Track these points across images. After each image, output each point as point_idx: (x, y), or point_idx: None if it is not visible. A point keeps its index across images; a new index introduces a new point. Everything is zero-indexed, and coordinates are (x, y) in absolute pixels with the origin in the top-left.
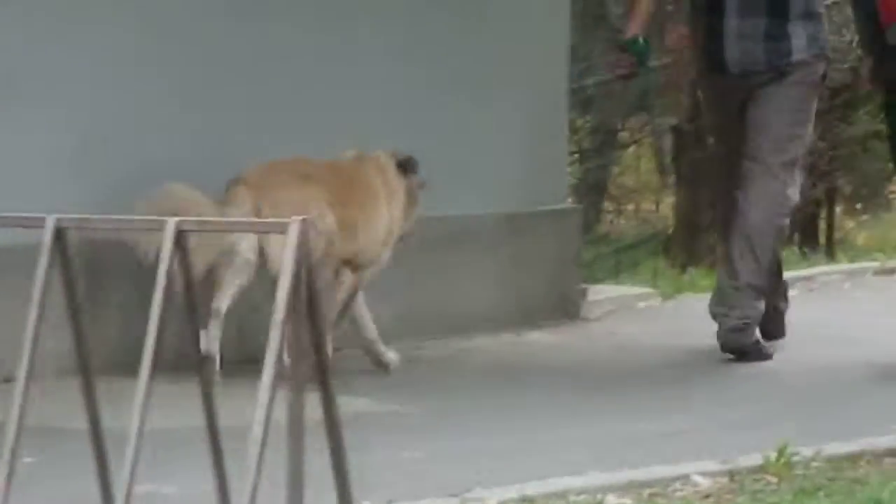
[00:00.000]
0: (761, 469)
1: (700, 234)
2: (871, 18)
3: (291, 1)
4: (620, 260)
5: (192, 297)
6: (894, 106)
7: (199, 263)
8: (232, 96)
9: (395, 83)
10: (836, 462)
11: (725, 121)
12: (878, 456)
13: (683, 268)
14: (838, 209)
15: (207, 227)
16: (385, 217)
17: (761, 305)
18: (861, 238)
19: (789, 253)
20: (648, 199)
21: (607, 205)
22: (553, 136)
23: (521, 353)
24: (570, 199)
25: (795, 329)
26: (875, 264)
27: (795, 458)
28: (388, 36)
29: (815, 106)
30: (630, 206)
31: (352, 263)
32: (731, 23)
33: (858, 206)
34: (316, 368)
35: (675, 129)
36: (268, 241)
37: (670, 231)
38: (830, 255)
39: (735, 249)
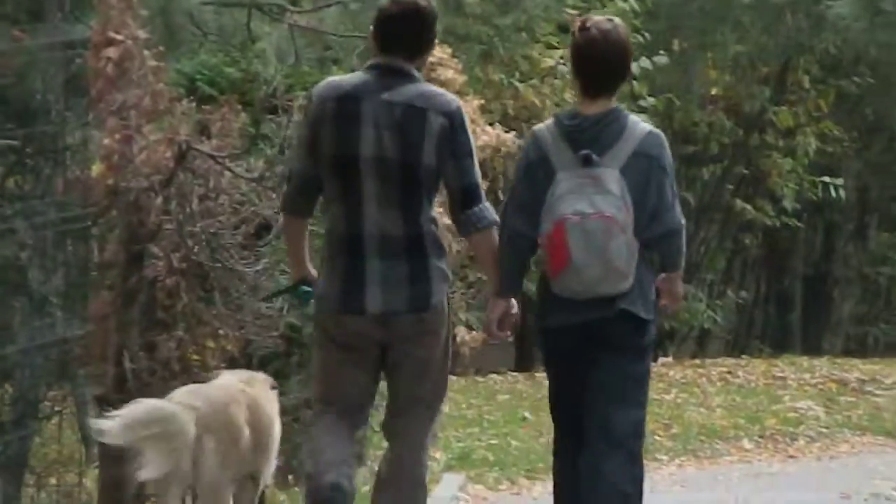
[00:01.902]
0: None
1: None
2: (524, 263)
3: None
4: None
5: None
6: (554, 354)
7: None
8: None
9: None
10: None
11: (355, 362)
12: None
13: None
14: None
15: None
16: (277, 432)
17: None
18: None
19: None
20: (71, 471)
21: (28, 477)
22: None
23: None
24: None
25: None
26: None
27: None
28: None
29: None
30: (53, 480)
31: (255, 476)
32: (373, 265)
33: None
34: None
35: (101, 399)
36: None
37: None
38: None
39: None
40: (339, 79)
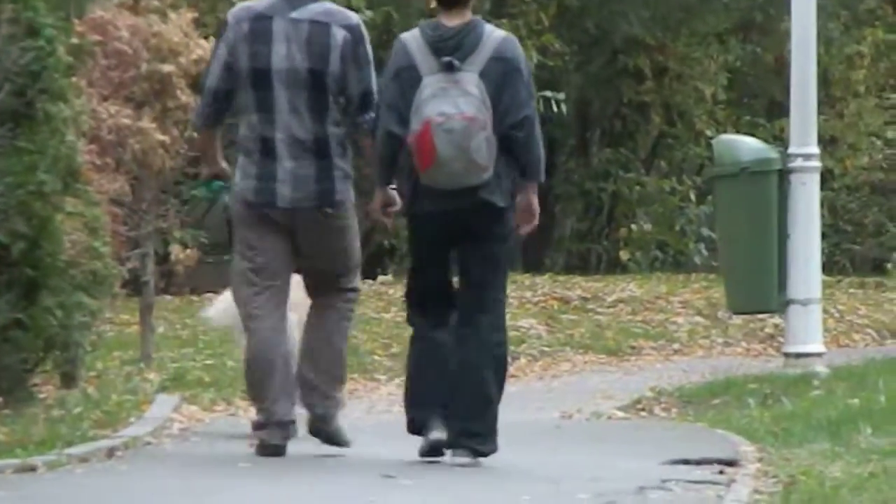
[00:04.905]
0: None
1: None
2: (395, 158)
3: None
4: None
5: None
6: (420, 238)
7: None
8: None
9: None
10: None
11: (270, 246)
12: None
13: None
14: None
15: None
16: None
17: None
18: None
19: None
20: None
21: None
22: None
23: None
24: None
25: None
26: (16, 462)
27: None
28: None
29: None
30: None
31: None
32: (285, 165)
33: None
34: None
35: None
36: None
37: None
38: None
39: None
40: (252, 3)
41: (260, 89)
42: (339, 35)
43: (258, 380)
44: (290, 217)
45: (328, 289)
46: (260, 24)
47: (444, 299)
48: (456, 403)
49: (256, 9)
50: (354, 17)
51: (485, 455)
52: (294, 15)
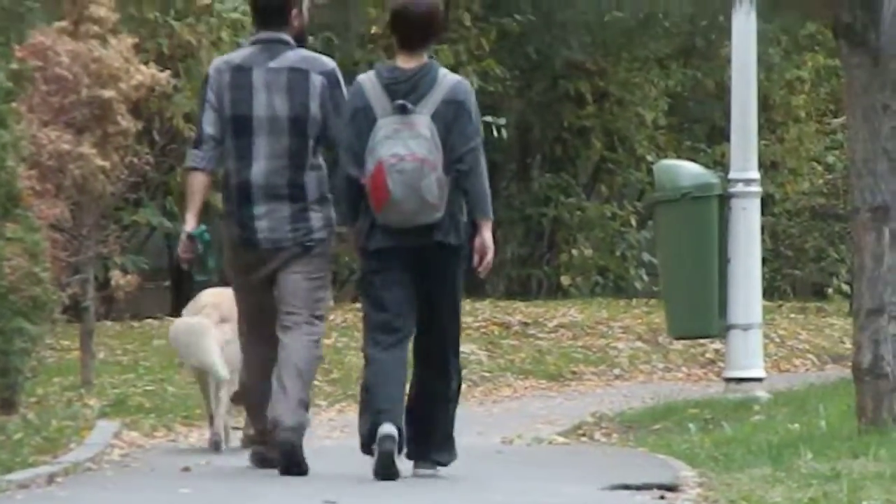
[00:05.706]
0: None
1: None
2: (356, 198)
3: None
4: None
5: None
6: (375, 272)
7: None
8: None
9: None
10: None
11: (255, 285)
12: None
13: None
14: None
15: None
16: None
17: None
18: None
19: None
20: None
21: None
22: None
23: None
24: None
25: None
26: None
27: None
28: None
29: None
30: None
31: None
32: (261, 209)
33: None
34: None
35: None
36: None
37: None
38: None
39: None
40: (231, 54)
41: (239, 136)
42: (317, 81)
43: (258, 400)
44: (271, 256)
45: (300, 328)
46: (240, 75)
47: (401, 328)
48: (418, 431)
49: (235, 61)
50: (330, 63)
51: (445, 465)
52: (273, 64)
